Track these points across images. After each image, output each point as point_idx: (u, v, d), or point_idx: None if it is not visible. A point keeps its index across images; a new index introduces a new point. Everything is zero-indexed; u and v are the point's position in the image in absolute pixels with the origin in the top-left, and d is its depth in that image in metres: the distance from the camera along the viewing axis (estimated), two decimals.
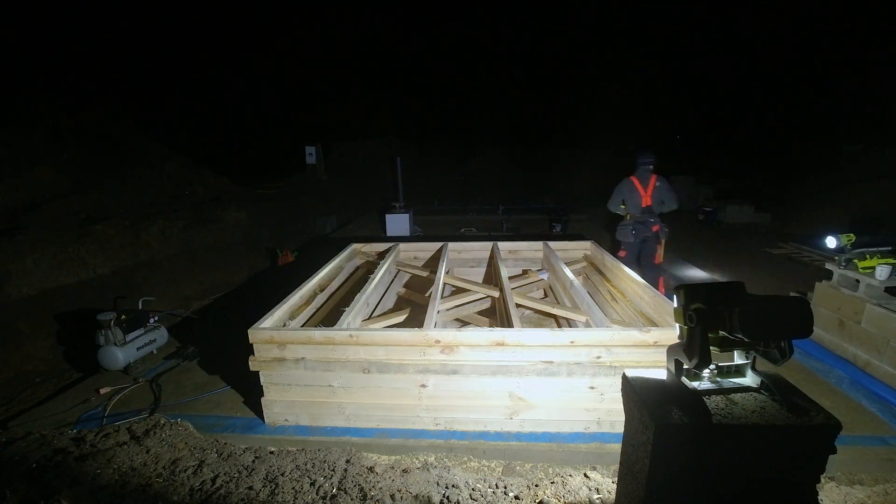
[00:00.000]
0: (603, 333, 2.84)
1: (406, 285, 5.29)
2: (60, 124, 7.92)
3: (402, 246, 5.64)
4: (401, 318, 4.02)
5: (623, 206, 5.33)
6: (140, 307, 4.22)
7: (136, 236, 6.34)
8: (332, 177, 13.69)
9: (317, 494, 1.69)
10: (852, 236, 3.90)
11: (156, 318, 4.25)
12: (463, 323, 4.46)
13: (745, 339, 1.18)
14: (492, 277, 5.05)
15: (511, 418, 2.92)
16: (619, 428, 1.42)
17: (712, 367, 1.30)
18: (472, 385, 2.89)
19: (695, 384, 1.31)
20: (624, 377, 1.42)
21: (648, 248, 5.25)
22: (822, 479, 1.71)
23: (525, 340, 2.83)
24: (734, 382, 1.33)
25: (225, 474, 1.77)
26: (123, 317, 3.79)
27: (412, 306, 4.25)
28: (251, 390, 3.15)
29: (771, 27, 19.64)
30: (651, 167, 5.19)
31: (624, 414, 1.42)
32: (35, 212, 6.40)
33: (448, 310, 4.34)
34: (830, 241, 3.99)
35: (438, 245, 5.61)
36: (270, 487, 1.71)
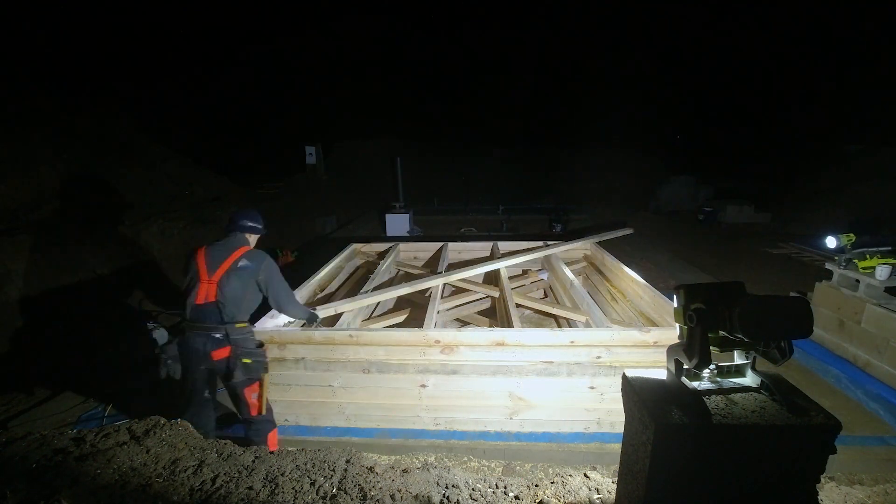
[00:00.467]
0: (603, 333, 2.84)
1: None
2: (60, 124, 7.92)
3: (402, 246, 5.64)
4: (401, 318, 4.02)
5: None
6: (140, 307, 4.22)
7: (136, 236, 6.34)
8: (332, 177, 13.70)
9: (317, 494, 1.69)
10: (852, 236, 3.90)
11: (155, 318, 4.25)
12: (463, 323, 4.46)
13: (745, 339, 1.18)
14: (492, 277, 5.05)
15: (511, 418, 2.92)
16: (619, 428, 1.42)
17: (712, 367, 1.30)
18: (472, 385, 2.89)
19: (695, 384, 1.31)
20: (624, 377, 1.42)
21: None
22: (822, 479, 1.71)
23: (525, 340, 2.83)
24: (734, 382, 1.33)
25: (225, 474, 1.76)
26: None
27: (412, 306, 4.25)
28: None
29: (772, 27, 19.65)
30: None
31: (624, 414, 1.42)
32: (35, 212, 6.40)
33: (448, 310, 4.34)
34: (830, 241, 3.99)
35: (438, 245, 5.62)
36: (270, 487, 1.71)
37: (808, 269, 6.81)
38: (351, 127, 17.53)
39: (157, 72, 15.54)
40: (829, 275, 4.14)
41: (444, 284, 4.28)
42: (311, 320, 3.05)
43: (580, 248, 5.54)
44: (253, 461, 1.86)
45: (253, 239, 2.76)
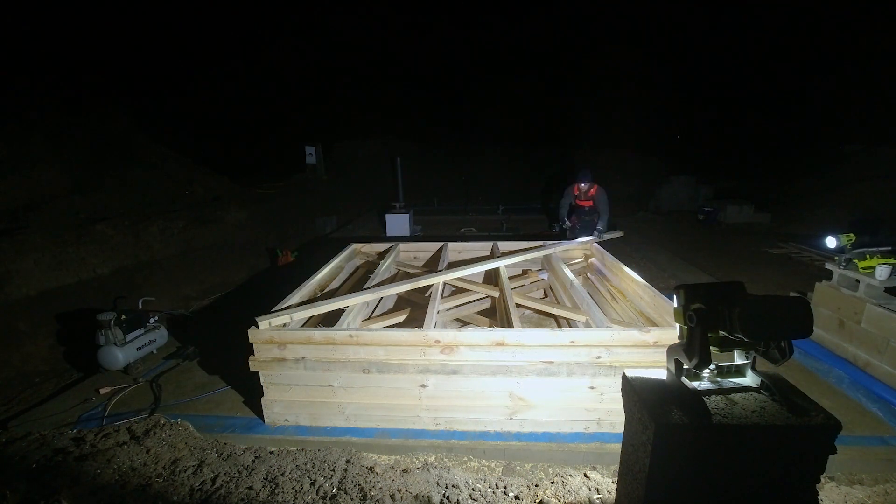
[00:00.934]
0: (603, 333, 2.84)
1: None
2: (60, 124, 7.92)
3: (402, 246, 5.64)
4: (401, 318, 4.02)
5: None
6: (140, 307, 4.22)
7: (136, 236, 6.34)
8: (332, 177, 13.70)
9: (317, 494, 1.69)
10: (852, 236, 3.89)
11: (155, 318, 4.25)
12: (463, 323, 4.46)
13: (745, 339, 1.18)
14: (492, 277, 5.04)
15: (511, 418, 2.92)
16: (619, 428, 1.42)
17: (712, 367, 1.30)
18: (472, 385, 2.89)
19: (695, 384, 1.31)
20: (624, 377, 1.43)
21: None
22: (822, 479, 1.71)
23: (525, 340, 2.83)
24: (734, 382, 1.33)
25: (225, 474, 1.77)
26: (123, 317, 3.79)
27: (412, 306, 4.25)
28: (251, 390, 3.15)
29: (771, 27, 19.65)
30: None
31: (624, 414, 1.42)
32: (35, 212, 6.40)
33: (448, 310, 4.34)
34: (830, 241, 3.99)
35: (438, 245, 5.61)
36: (270, 487, 1.71)
37: (808, 269, 6.81)
38: (351, 127, 17.52)
39: (157, 72, 15.54)
40: (829, 275, 4.14)
41: (445, 284, 4.27)
42: None
43: (580, 248, 5.54)
44: (253, 461, 1.86)
45: None
